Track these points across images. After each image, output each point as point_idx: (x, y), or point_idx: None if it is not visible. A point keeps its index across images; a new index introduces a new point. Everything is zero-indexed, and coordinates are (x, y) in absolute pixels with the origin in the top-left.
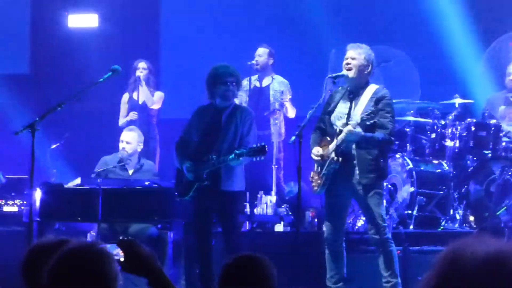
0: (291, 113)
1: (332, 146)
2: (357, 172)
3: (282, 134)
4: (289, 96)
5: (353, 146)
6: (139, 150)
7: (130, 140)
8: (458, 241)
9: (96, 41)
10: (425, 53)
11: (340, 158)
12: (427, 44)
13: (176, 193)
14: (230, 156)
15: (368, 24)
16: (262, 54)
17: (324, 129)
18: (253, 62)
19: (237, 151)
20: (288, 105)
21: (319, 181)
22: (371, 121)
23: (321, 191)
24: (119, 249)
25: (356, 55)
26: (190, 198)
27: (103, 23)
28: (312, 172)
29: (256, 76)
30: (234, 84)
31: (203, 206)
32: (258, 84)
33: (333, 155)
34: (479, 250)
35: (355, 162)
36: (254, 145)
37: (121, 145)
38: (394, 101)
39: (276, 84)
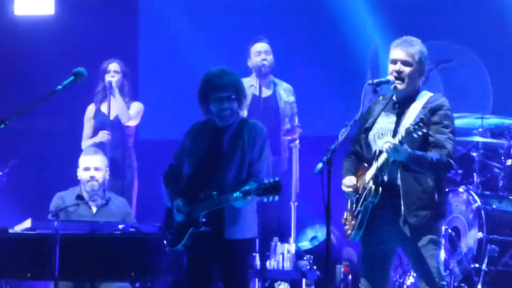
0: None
1: (370, 172)
2: (403, 208)
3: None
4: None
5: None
6: (106, 178)
7: (100, 165)
8: None
9: (52, 35)
10: (498, 50)
11: (381, 188)
12: (502, 39)
13: (164, 241)
14: (234, 195)
15: (419, 12)
16: (268, 50)
17: (361, 153)
18: (264, 62)
19: (244, 188)
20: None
21: (352, 222)
22: (419, 133)
23: (355, 236)
24: None
25: (408, 57)
26: (182, 248)
27: (61, 9)
28: (345, 213)
29: (254, 81)
30: (234, 97)
31: (200, 259)
32: (257, 93)
33: (371, 184)
34: None
35: (400, 195)
36: (266, 181)
37: (86, 174)
38: (455, 115)
39: (283, 92)
